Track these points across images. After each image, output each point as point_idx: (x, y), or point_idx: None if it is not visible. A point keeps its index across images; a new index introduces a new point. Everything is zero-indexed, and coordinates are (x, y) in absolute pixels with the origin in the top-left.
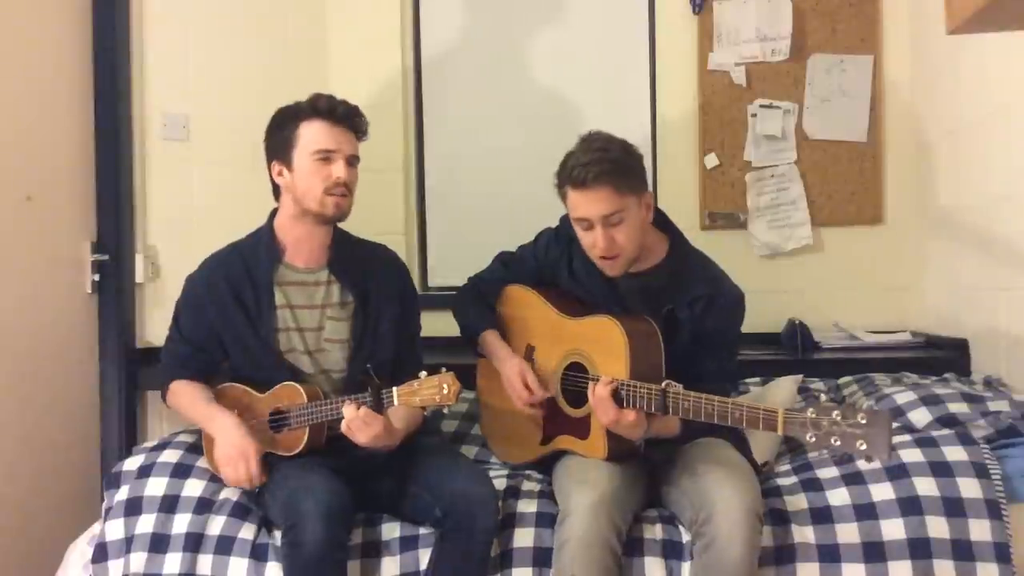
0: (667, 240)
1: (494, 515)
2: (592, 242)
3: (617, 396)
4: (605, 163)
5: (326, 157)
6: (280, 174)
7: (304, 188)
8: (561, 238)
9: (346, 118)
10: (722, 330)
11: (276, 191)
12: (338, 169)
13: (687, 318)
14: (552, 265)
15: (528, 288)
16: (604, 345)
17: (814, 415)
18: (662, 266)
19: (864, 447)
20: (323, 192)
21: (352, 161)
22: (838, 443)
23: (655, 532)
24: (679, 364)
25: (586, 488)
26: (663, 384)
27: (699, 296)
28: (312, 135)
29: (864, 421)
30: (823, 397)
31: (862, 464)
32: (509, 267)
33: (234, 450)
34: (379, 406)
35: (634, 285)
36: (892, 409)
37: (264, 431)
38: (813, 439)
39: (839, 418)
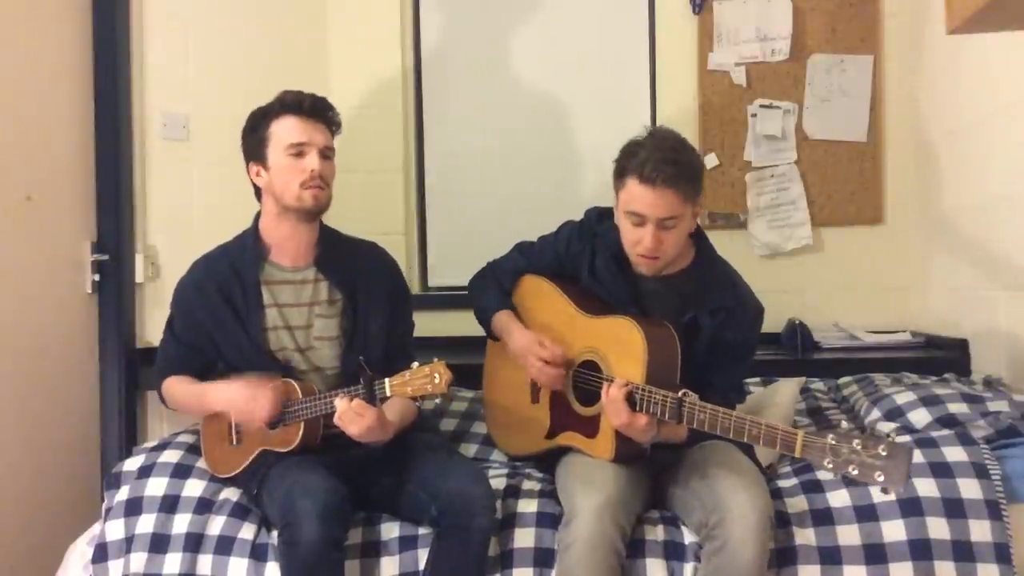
0: (694, 246)
1: (490, 515)
2: (638, 239)
3: (631, 399)
4: (680, 167)
5: (299, 151)
6: (258, 175)
7: (281, 185)
8: (584, 233)
9: (315, 111)
10: (740, 342)
11: (258, 193)
12: (312, 161)
13: (708, 326)
14: (573, 260)
15: (546, 280)
16: (621, 346)
17: (834, 442)
18: (688, 272)
19: (882, 478)
20: (299, 186)
21: (326, 153)
22: (856, 472)
23: (657, 533)
24: (691, 371)
25: (592, 490)
26: (680, 393)
27: (722, 306)
28: (283, 131)
29: (885, 453)
30: (844, 425)
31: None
32: (528, 257)
33: (240, 399)
34: (372, 397)
35: (656, 288)
36: (892, 409)
37: (261, 429)
38: (831, 465)
39: (859, 447)
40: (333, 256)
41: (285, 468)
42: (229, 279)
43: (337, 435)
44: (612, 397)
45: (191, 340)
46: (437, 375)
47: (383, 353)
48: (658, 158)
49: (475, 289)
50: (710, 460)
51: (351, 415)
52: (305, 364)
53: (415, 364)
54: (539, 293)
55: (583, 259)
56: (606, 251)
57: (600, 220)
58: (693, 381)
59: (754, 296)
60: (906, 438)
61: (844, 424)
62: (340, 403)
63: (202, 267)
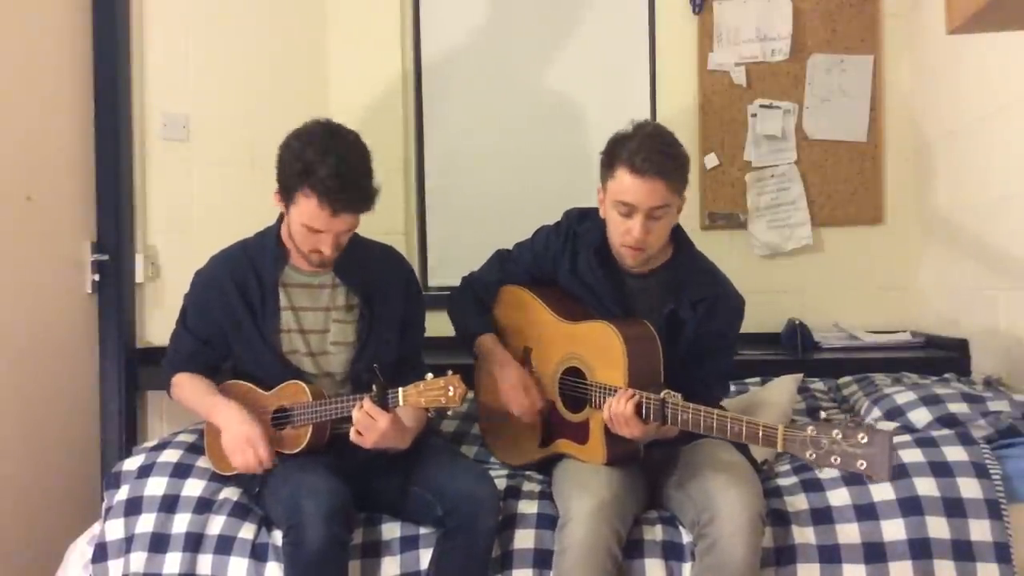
0: (672, 241)
1: (496, 515)
2: (627, 229)
3: (639, 409)
4: (670, 158)
5: (316, 231)
6: (279, 203)
7: (293, 235)
8: (562, 233)
9: (347, 207)
10: (722, 333)
11: None
12: (324, 245)
13: (690, 319)
14: (552, 260)
15: (525, 290)
16: (601, 351)
17: (814, 433)
18: (667, 266)
19: (864, 466)
20: (306, 251)
21: (345, 234)
22: (838, 461)
23: (655, 533)
24: (677, 366)
25: (586, 494)
26: (662, 394)
27: (703, 297)
28: (306, 210)
29: (864, 440)
30: (823, 415)
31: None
32: (505, 266)
33: (240, 437)
34: (384, 406)
35: (638, 284)
36: (892, 409)
37: (267, 429)
38: (813, 456)
39: (839, 437)
40: (351, 261)
41: (289, 469)
42: (247, 277)
43: (342, 436)
44: (622, 414)
45: (203, 334)
46: (452, 388)
47: (395, 357)
48: (649, 148)
49: (455, 307)
50: (702, 459)
51: (367, 422)
52: (315, 369)
53: (429, 375)
54: (519, 304)
55: (563, 258)
56: (588, 248)
57: (580, 220)
58: (677, 375)
59: (734, 288)
60: (906, 437)
61: (823, 413)
62: (355, 413)
63: (221, 262)
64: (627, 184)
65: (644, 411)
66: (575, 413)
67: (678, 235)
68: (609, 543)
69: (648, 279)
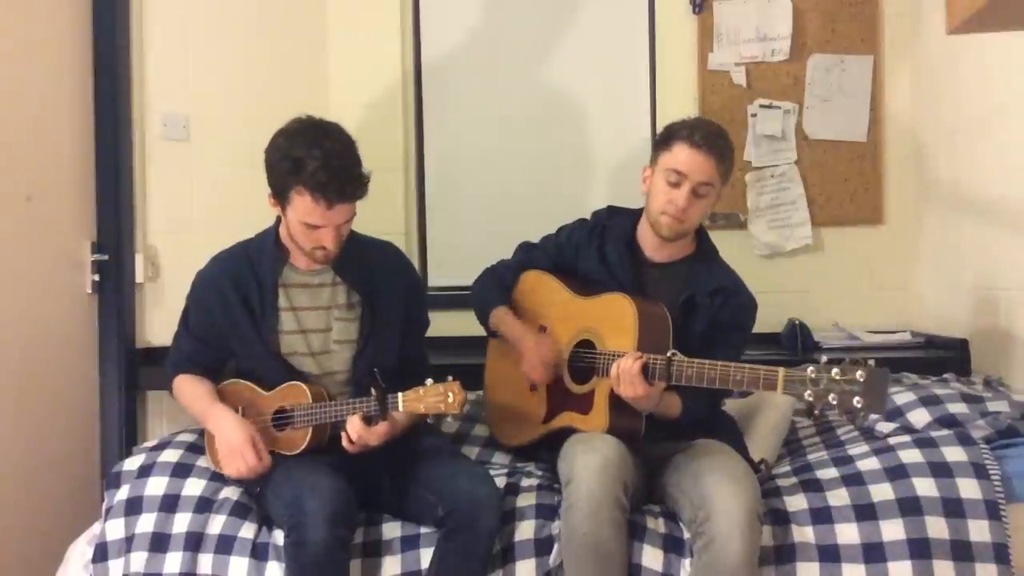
0: (695, 239)
1: (497, 516)
2: (671, 198)
3: (646, 371)
4: (725, 141)
5: (315, 226)
6: (275, 206)
7: (293, 235)
8: (588, 226)
9: (341, 197)
10: (736, 327)
11: None
12: (327, 239)
13: (706, 305)
14: (575, 248)
15: (544, 272)
16: (614, 321)
17: (814, 374)
18: (688, 259)
19: (860, 403)
20: (309, 248)
21: (345, 226)
22: (835, 400)
23: (658, 525)
24: (687, 353)
25: (592, 450)
26: (668, 354)
27: (720, 287)
28: (302, 206)
29: (863, 379)
30: (824, 359)
31: (859, 460)
32: (530, 253)
33: (231, 444)
34: (384, 412)
35: (659, 274)
36: (891, 410)
37: (267, 429)
38: (811, 396)
39: (838, 376)
40: (350, 259)
41: (289, 468)
42: (247, 278)
43: (342, 436)
44: (629, 370)
45: (204, 335)
46: (451, 394)
47: (397, 353)
48: (707, 130)
49: (477, 289)
50: (700, 458)
51: (368, 436)
52: (317, 369)
53: (429, 381)
54: (538, 285)
55: (589, 249)
56: (618, 239)
57: (611, 216)
58: None
59: (749, 290)
60: (905, 437)
61: (824, 357)
62: (352, 432)
63: (221, 263)
64: (683, 155)
65: (650, 373)
66: (581, 385)
67: (702, 236)
68: (617, 493)
69: (669, 269)
